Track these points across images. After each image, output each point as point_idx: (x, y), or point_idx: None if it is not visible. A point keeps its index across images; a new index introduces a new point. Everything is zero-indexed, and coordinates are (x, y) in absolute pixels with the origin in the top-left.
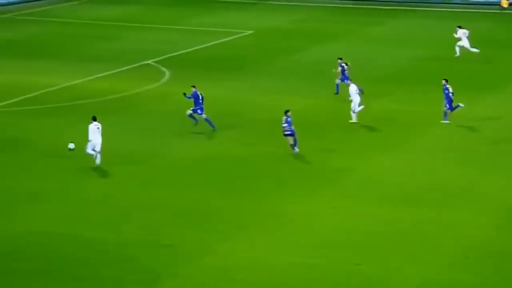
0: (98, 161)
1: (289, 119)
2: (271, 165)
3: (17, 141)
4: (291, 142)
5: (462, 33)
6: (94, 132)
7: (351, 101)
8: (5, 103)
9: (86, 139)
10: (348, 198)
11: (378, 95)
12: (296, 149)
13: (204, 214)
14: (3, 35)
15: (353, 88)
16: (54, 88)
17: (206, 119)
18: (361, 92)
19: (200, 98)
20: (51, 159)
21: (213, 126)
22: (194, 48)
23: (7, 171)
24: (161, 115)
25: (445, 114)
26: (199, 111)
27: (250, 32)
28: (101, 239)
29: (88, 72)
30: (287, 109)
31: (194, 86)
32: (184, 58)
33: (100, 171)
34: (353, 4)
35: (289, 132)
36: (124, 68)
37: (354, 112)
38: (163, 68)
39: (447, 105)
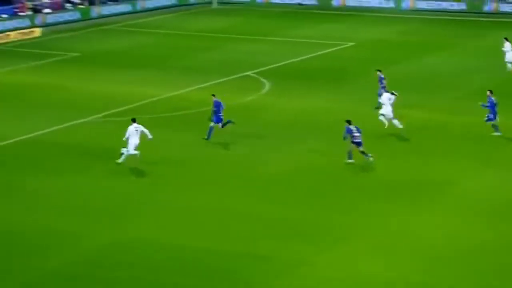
0: (121, 160)
1: (358, 128)
2: (370, 176)
3: (118, 151)
4: (361, 149)
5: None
6: (133, 134)
7: (378, 108)
8: (107, 112)
9: (188, 150)
10: (450, 212)
11: (475, 108)
12: (370, 157)
13: (300, 225)
14: (106, 45)
15: (385, 97)
16: (156, 98)
17: (211, 127)
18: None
19: (222, 106)
20: (150, 167)
21: (208, 137)
22: (294, 59)
23: (121, 179)
24: (261, 125)
25: (495, 126)
26: (215, 119)
27: (351, 44)
28: (195, 248)
29: (189, 82)
30: (348, 119)
31: (214, 95)
32: (284, 69)
33: (196, 181)
34: (454, 16)
35: (359, 141)
36: (225, 79)
37: (385, 119)
38: (263, 79)
39: (491, 116)
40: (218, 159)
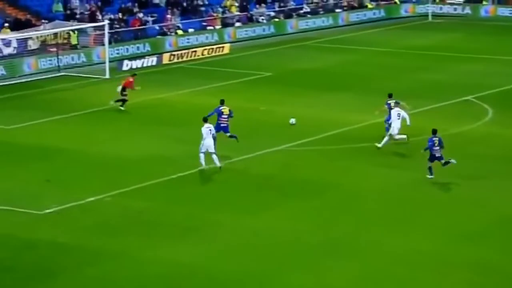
0: (217, 163)
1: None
2: None
3: (319, 183)
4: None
5: None
6: (207, 134)
7: (389, 124)
8: (302, 141)
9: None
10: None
11: None
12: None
13: None
14: (301, 64)
15: (395, 113)
16: (357, 125)
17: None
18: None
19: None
20: (360, 202)
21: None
22: None
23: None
24: (482, 160)
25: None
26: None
27: None
28: None
29: None
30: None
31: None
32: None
33: (411, 222)
34: None
35: (439, 155)
36: (439, 104)
37: (388, 136)
38: (485, 105)
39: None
40: (435, 199)
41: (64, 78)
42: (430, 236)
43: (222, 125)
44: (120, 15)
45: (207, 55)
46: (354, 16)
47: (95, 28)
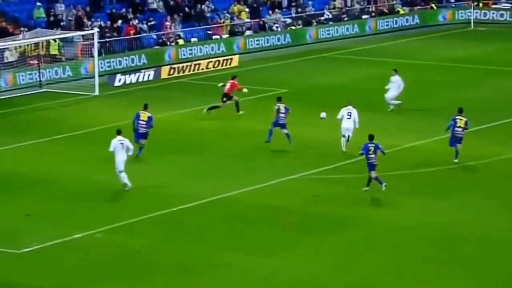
0: (127, 182)
1: None
2: None
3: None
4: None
5: None
6: (119, 150)
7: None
8: (323, 168)
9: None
10: None
11: None
12: None
13: None
14: (321, 79)
15: (345, 112)
16: (387, 150)
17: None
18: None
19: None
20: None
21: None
22: None
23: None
24: None
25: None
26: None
27: None
28: None
29: (431, 130)
30: None
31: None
32: None
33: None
34: None
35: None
36: (487, 125)
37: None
38: None
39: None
40: (481, 237)
41: (46, 94)
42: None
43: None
44: (111, 22)
45: (212, 69)
46: (383, 24)
47: (83, 37)
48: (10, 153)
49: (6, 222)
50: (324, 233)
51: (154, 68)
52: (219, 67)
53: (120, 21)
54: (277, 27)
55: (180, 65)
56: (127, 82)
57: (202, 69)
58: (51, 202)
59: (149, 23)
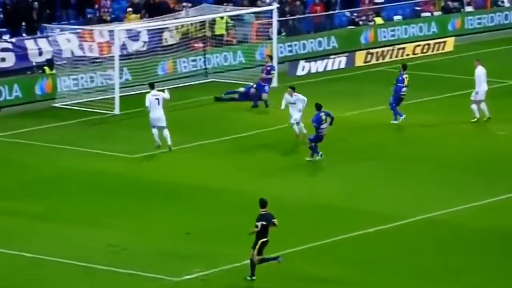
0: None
1: None
2: None
3: None
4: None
5: None
6: (155, 105)
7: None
8: None
9: None
10: None
11: None
12: None
13: None
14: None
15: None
16: None
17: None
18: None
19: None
20: None
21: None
22: None
23: None
24: None
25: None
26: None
27: None
28: None
29: None
30: None
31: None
32: None
33: None
34: None
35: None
36: None
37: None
38: None
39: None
40: None
41: (212, 85)
42: None
43: None
44: None
45: (420, 55)
46: None
47: (258, 14)
48: (164, 158)
49: (162, 241)
50: None
51: (347, 54)
52: (429, 53)
53: None
54: (502, 1)
55: (380, 49)
56: (313, 70)
57: (408, 54)
58: (215, 216)
59: None
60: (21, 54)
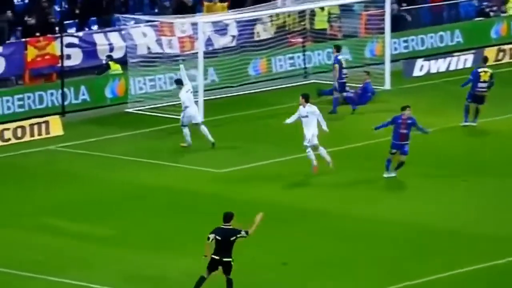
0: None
1: None
2: None
3: None
4: None
5: None
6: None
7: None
8: None
9: None
10: None
11: None
12: None
13: None
14: None
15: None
16: None
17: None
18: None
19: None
20: None
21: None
22: None
23: None
24: None
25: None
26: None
27: None
28: None
29: None
30: None
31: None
32: None
33: None
34: None
35: None
36: None
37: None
38: None
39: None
40: None
41: (313, 87)
42: None
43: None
44: None
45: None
46: None
47: (367, 4)
48: (258, 170)
49: (255, 272)
50: None
51: (474, 51)
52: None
53: None
54: None
55: None
56: (432, 70)
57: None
58: (317, 245)
59: None
60: (90, 50)
